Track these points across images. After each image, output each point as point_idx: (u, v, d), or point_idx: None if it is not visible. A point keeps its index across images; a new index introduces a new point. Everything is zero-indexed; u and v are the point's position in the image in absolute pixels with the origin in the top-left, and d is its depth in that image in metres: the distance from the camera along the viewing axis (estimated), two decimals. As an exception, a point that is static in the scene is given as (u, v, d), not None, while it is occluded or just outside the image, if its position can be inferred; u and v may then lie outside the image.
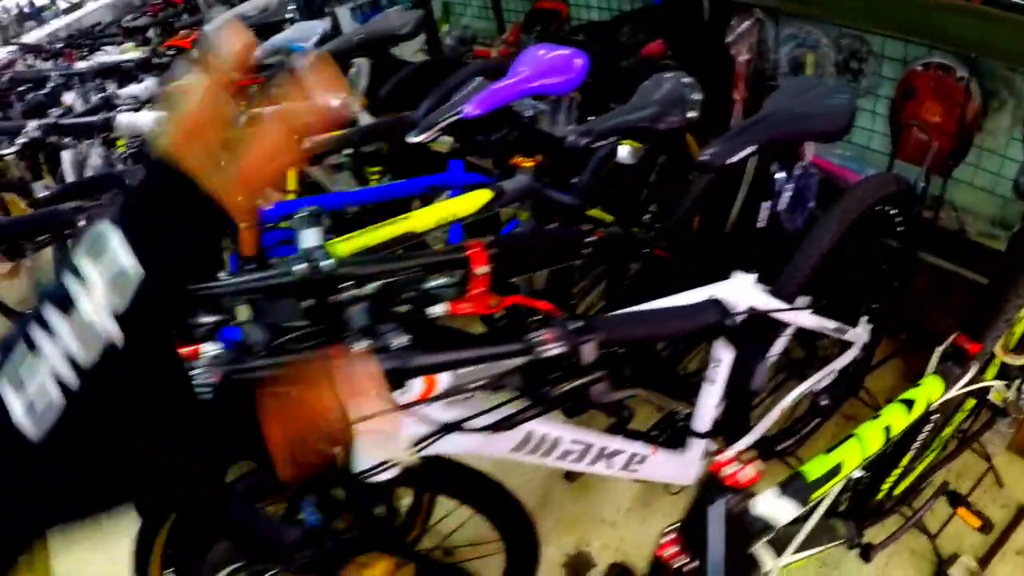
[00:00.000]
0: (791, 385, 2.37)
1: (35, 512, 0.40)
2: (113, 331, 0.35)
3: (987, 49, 2.35)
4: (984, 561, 2.32)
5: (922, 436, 1.91)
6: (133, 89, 3.00)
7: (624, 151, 2.06)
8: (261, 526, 0.83)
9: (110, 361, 0.35)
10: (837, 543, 1.82)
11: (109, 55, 4.14)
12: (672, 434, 2.15)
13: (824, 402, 2.40)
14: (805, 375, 2.38)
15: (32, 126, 2.67)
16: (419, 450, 1.31)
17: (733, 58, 2.87)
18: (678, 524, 1.03)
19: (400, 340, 0.99)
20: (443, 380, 1.28)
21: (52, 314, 0.34)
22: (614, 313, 1.08)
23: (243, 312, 1.61)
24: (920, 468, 2.12)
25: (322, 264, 1.34)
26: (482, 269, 1.40)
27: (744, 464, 0.90)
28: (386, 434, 1.17)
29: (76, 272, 0.36)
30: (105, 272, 0.37)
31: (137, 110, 2.66)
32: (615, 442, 1.72)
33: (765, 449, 2.28)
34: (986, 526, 2.20)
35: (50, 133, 2.64)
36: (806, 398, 2.40)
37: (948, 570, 2.29)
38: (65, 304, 0.34)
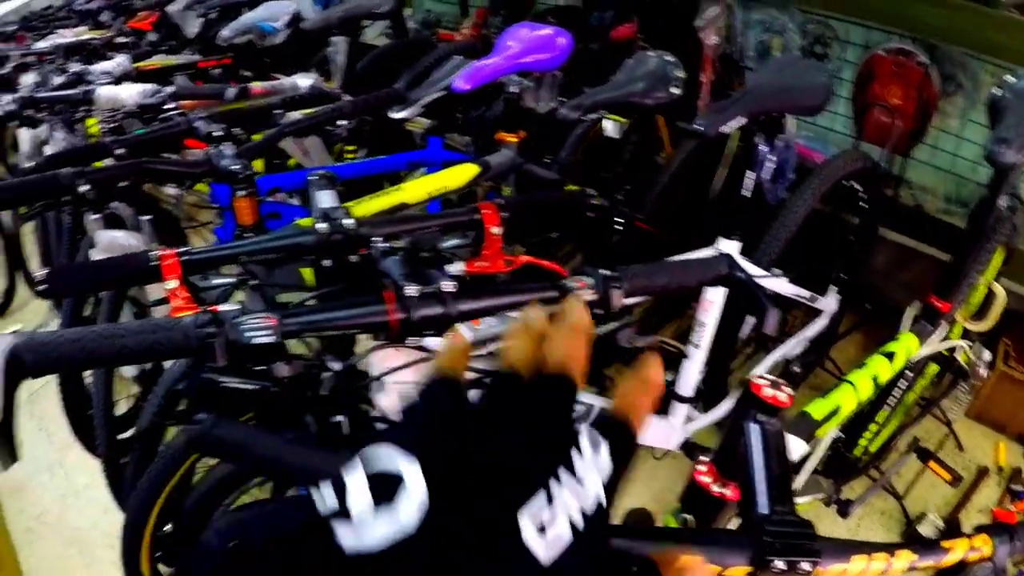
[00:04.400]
0: (762, 357, 2.46)
1: None
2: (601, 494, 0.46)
3: (946, 35, 2.47)
4: (949, 519, 2.43)
5: (895, 394, 2.01)
6: (106, 65, 2.97)
7: (610, 125, 2.12)
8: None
9: (598, 511, 0.45)
10: (820, 496, 1.91)
11: (64, 38, 4.08)
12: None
13: (795, 369, 2.50)
14: (775, 347, 2.48)
15: (7, 99, 2.63)
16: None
17: (702, 42, 2.96)
18: (711, 455, 1.10)
19: (448, 285, 1.03)
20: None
21: (565, 477, 0.45)
22: (635, 265, 1.14)
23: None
24: (889, 429, 2.22)
25: (344, 223, 1.37)
26: (496, 229, 1.45)
27: (779, 386, 0.96)
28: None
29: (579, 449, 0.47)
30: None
31: (114, 84, 2.64)
32: (609, 404, 1.78)
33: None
34: (956, 479, 2.31)
35: (26, 107, 2.60)
36: (778, 367, 2.49)
37: (917, 527, 2.39)
38: (574, 472, 0.45)
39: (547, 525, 0.42)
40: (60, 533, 2.91)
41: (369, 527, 0.39)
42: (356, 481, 0.41)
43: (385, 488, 0.40)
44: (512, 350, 0.54)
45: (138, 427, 1.94)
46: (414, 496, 0.40)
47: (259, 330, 0.95)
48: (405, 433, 0.46)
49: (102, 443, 2.40)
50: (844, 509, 2.09)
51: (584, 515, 0.44)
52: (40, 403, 3.50)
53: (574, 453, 0.46)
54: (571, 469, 0.45)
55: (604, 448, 0.48)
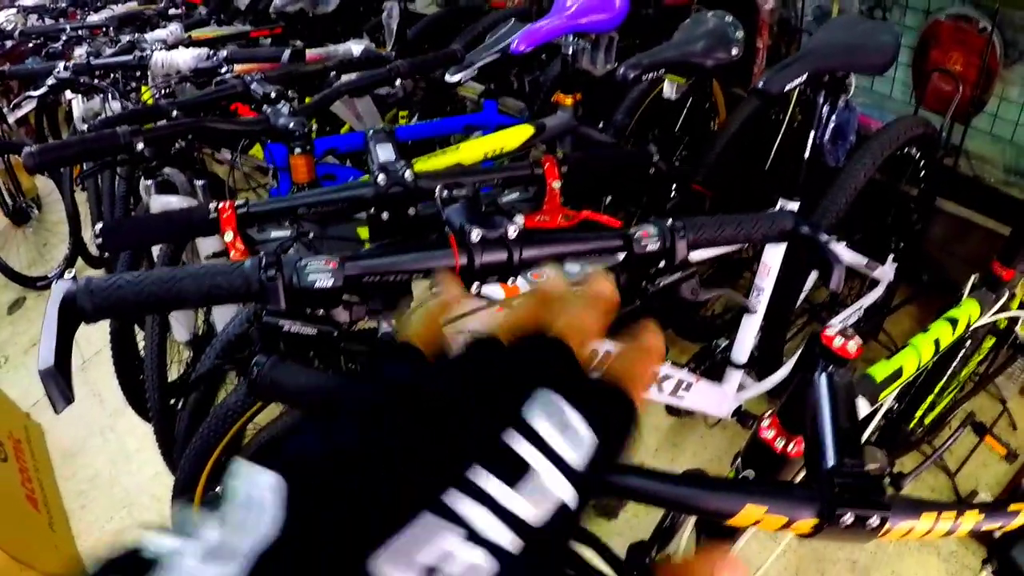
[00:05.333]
0: (816, 328, 2.43)
1: None
2: (563, 492, 0.34)
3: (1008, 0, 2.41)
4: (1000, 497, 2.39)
5: (953, 365, 1.98)
6: (159, 33, 3.00)
7: (669, 86, 2.10)
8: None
9: (560, 518, 0.34)
10: (874, 467, 1.88)
11: (115, 12, 4.12)
12: (711, 365, 2.21)
13: (851, 338, 2.47)
14: (829, 317, 2.45)
15: (61, 67, 2.65)
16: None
17: (758, 6, 2.92)
18: (776, 408, 1.08)
19: (512, 230, 1.02)
20: (524, 285, 1.33)
21: (488, 482, 0.32)
22: (700, 217, 1.12)
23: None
24: (944, 403, 2.18)
25: (405, 175, 1.36)
26: (556, 183, 1.44)
27: (849, 336, 0.94)
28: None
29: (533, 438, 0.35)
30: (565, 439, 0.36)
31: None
32: (666, 367, 1.77)
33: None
34: (1011, 454, 2.28)
35: (80, 73, 2.62)
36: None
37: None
38: (512, 473, 0.32)
39: (438, 565, 0.30)
40: (111, 496, 2.96)
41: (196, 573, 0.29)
42: (211, 520, 0.31)
43: (237, 523, 0.30)
44: (511, 314, 0.46)
45: (194, 376, 1.95)
46: (260, 530, 0.30)
47: (320, 273, 0.94)
48: (307, 437, 0.35)
49: (153, 406, 2.42)
50: (897, 482, 2.06)
51: (526, 529, 0.32)
52: (93, 369, 3.56)
53: (516, 441, 0.33)
54: (501, 468, 0.32)
55: (578, 424, 0.36)
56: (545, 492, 0.33)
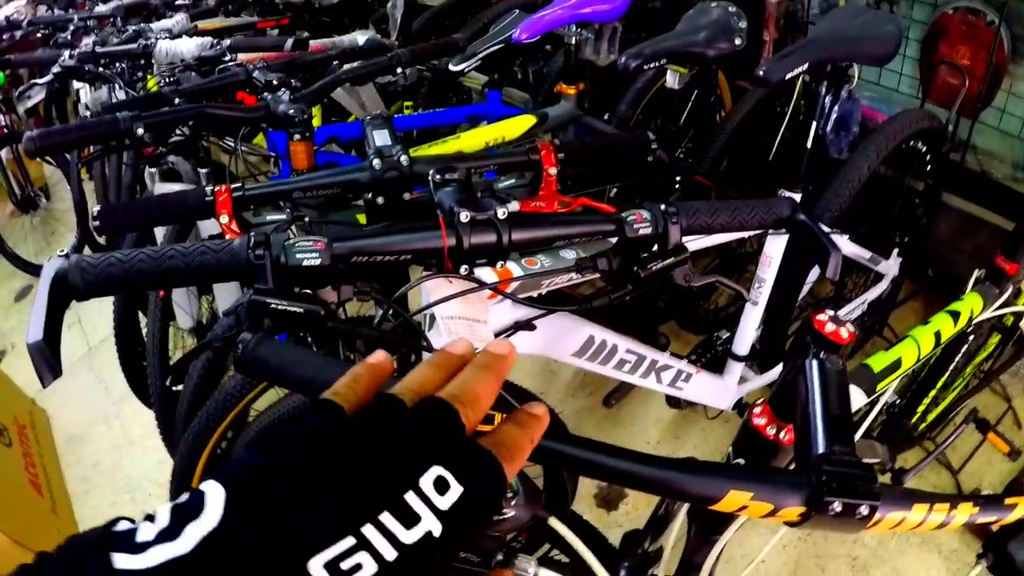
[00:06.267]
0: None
1: None
2: (435, 526, 0.45)
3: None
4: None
5: (956, 360, 1.96)
6: (165, 23, 2.99)
7: (672, 76, 2.09)
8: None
9: (426, 543, 0.45)
10: (874, 461, 1.86)
11: (123, 2, 4.13)
12: (712, 358, 2.20)
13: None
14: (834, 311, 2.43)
15: (67, 55, 2.65)
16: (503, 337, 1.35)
17: (765, -1, 2.91)
18: (767, 396, 1.07)
19: (503, 210, 1.01)
20: (516, 269, 1.32)
21: (389, 521, 0.44)
22: (695, 202, 1.11)
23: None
24: (948, 399, 2.17)
25: (400, 159, 1.36)
26: (552, 169, 1.43)
27: (841, 322, 0.93)
28: (474, 318, 1.21)
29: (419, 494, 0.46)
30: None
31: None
32: (665, 357, 1.76)
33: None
34: (1013, 452, 2.26)
35: (86, 62, 2.62)
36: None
37: (970, 502, 2.34)
38: (405, 515, 0.44)
39: (350, 573, 0.41)
40: (114, 482, 2.98)
41: (148, 550, 0.38)
42: (163, 511, 0.41)
43: (184, 515, 0.40)
44: (413, 375, 0.55)
45: (182, 356, 1.96)
46: (204, 523, 0.39)
47: (307, 252, 0.94)
48: (245, 460, 0.45)
49: (155, 391, 2.42)
50: (898, 478, 2.04)
51: (402, 547, 0.43)
52: (98, 357, 3.57)
53: (410, 496, 0.44)
54: (400, 512, 0.44)
55: (455, 493, 0.46)
56: (422, 527, 0.44)
